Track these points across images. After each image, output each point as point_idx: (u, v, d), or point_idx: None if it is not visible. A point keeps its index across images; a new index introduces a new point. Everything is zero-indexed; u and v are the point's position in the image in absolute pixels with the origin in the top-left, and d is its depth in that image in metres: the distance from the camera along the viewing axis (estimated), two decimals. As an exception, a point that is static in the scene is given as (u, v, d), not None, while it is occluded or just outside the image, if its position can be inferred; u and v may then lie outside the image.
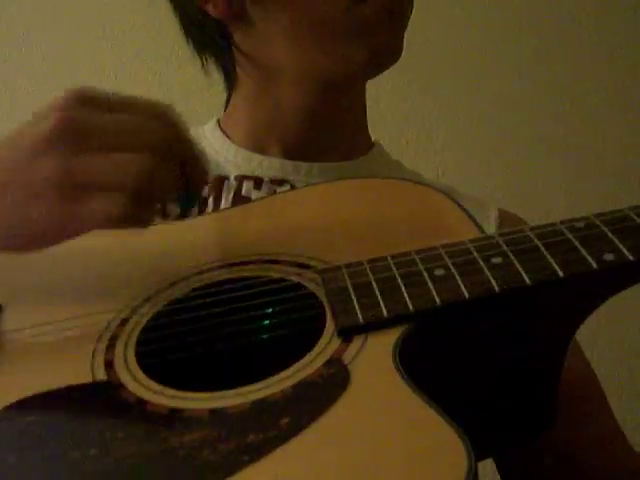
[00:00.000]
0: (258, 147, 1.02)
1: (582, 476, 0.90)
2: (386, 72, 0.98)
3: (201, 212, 0.96)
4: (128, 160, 0.64)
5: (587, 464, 0.91)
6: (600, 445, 0.92)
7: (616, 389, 1.82)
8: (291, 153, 1.01)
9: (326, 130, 1.01)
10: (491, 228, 0.98)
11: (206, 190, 0.98)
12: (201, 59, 1.02)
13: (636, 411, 1.81)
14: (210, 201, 0.97)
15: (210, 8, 0.95)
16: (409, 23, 0.96)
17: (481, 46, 2.00)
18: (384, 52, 0.95)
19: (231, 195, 0.98)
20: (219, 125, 1.06)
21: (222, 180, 1.00)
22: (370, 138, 1.08)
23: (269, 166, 1.00)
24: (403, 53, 0.96)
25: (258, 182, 0.99)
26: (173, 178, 0.68)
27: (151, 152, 0.65)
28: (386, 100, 1.91)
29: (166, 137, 0.68)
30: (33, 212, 0.64)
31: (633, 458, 0.93)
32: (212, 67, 1.03)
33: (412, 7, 0.96)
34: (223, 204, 0.97)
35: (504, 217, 1.02)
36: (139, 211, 0.65)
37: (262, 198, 0.95)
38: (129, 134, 0.66)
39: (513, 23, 2.01)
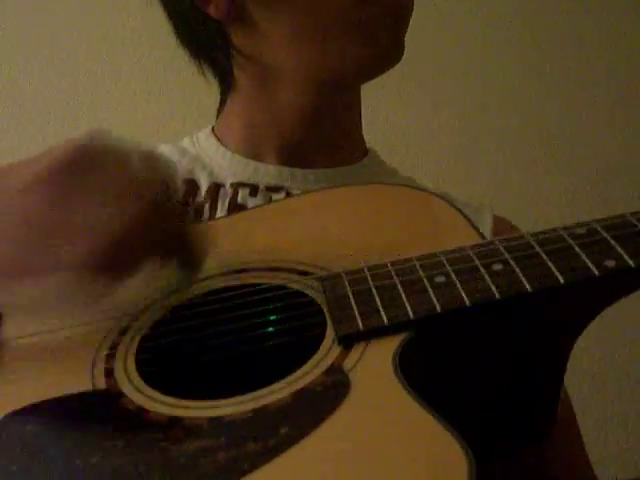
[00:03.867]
0: (253, 153, 1.01)
1: None
2: (386, 79, 0.98)
3: (197, 221, 0.95)
4: (114, 211, 0.63)
5: None
6: (562, 465, 0.91)
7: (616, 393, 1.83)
8: (287, 159, 1.01)
9: (322, 134, 1.01)
10: (486, 233, 0.98)
11: (202, 197, 0.98)
12: (197, 63, 1.02)
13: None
14: (205, 209, 0.97)
15: (212, 10, 0.95)
16: (409, 27, 0.96)
17: (482, 52, 2.01)
18: (386, 53, 0.95)
19: (227, 203, 0.97)
20: (213, 132, 1.06)
21: (217, 188, 0.99)
22: (365, 145, 1.08)
23: (265, 172, 1.00)
24: (404, 58, 0.96)
25: (254, 189, 0.99)
26: (158, 239, 0.66)
27: (139, 209, 0.64)
28: (385, 108, 1.91)
29: (158, 199, 0.65)
30: (6, 249, 0.63)
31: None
32: (208, 72, 1.03)
33: (412, 8, 0.96)
34: (219, 212, 0.97)
35: (498, 223, 1.02)
36: (117, 263, 0.63)
37: (261, 205, 0.95)
38: (121, 188, 0.64)
39: (513, 28, 2.01)
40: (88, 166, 0.64)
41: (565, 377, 0.70)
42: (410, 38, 0.96)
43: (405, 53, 0.96)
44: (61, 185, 0.63)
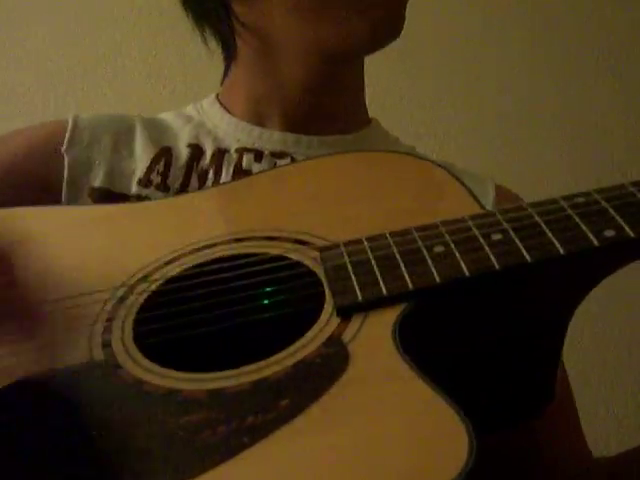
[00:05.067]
0: (258, 120, 1.01)
1: (539, 470, 0.91)
2: (386, 52, 0.97)
3: (201, 186, 0.95)
4: None
5: (544, 459, 0.91)
6: (558, 442, 0.92)
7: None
8: (291, 126, 1.00)
9: (326, 102, 1.00)
10: (488, 204, 0.97)
11: (206, 162, 0.98)
12: (200, 31, 1.01)
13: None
14: (210, 174, 0.97)
15: None
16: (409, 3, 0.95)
17: (484, 27, 2.00)
18: (385, 27, 0.94)
19: (231, 168, 0.97)
20: (218, 100, 1.05)
21: (222, 153, 0.99)
22: (368, 114, 1.08)
23: (269, 138, 1.00)
24: (403, 33, 0.95)
25: (258, 155, 0.99)
26: None
27: None
28: (385, 81, 1.90)
29: None
30: None
31: (587, 457, 0.94)
32: (211, 39, 1.02)
33: None
34: (223, 177, 0.97)
35: (501, 193, 1.02)
36: None
37: (263, 172, 0.95)
38: None
39: (515, 4, 1.99)
40: None
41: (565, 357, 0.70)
42: (409, 12, 0.95)
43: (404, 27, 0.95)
44: None
